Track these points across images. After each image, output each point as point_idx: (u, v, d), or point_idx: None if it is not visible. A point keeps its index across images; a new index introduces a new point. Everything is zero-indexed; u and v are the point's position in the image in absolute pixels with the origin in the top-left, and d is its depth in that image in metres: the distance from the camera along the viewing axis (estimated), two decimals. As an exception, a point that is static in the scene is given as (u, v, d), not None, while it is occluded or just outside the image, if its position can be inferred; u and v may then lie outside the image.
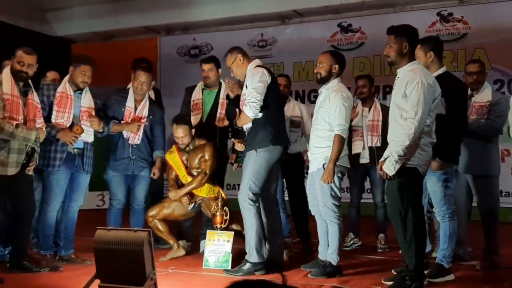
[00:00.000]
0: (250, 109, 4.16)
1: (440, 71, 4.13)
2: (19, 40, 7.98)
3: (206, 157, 4.88)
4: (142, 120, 5.01)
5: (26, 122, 4.19)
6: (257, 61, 4.47)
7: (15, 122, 4.09)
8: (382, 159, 3.77)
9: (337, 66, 4.27)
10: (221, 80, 5.27)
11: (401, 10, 8.30)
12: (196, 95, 5.32)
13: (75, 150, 4.61)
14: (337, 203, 4.22)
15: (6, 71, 4.19)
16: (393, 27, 3.82)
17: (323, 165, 4.17)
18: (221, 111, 5.19)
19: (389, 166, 3.61)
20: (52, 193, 4.58)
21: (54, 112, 4.53)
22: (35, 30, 9.65)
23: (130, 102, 5.03)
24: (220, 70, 5.28)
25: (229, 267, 4.41)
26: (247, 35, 9.08)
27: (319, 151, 4.24)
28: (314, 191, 4.31)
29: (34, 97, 4.30)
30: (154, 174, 5.09)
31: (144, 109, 5.06)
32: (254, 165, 4.24)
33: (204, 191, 4.91)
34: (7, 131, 4.04)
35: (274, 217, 4.52)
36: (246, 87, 4.26)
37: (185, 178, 4.94)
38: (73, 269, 4.50)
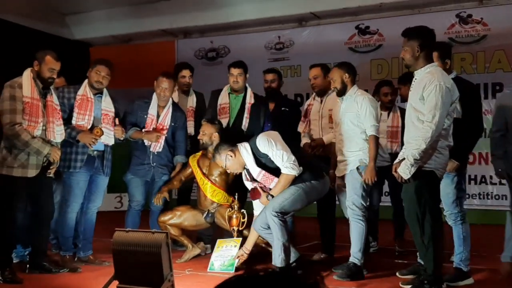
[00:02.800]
0: (295, 168, 4.15)
1: (451, 76, 4.09)
2: (39, 43, 8.09)
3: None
4: (163, 131, 5.03)
5: (46, 123, 4.24)
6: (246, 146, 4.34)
7: (34, 132, 4.13)
8: (397, 160, 3.76)
9: (346, 75, 4.40)
10: (247, 85, 5.32)
11: (420, 12, 8.22)
12: (223, 99, 5.34)
13: (95, 152, 4.66)
14: (365, 204, 4.30)
15: (27, 74, 4.24)
16: (406, 29, 3.80)
17: (357, 167, 4.27)
18: (247, 115, 5.22)
19: (405, 169, 3.59)
20: (72, 194, 4.63)
21: (75, 114, 4.59)
22: (54, 33, 9.76)
23: (152, 109, 5.05)
24: (247, 75, 5.32)
25: (233, 271, 4.40)
26: (264, 37, 9.08)
27: (351, 155, 4.30)
28: (346, 193, 4.38)
29: (53, 99, 4.36)
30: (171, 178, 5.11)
31: (166, 117, 5.07)
32: (295, 192, 4.20)
33: (219, 197, 4.86)
34: (23, 139, 4.08)
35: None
36: (259, 162, 4.25)
37: (202, 181, 4.92)
38: (92, 270, 4.54)
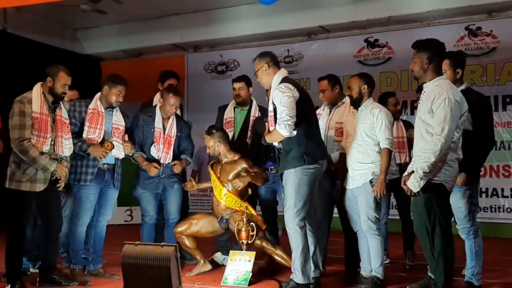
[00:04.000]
0: (285, 128, 3.98)
1: (462, 87, 4.08)
2: (51, 58, 8.19)
3: (249, 164, 4.86)
4: (171, 143, 5.08)
5: (55, 138, 4.29)
6: (283, 72, 4.31)
7: (43, 147, 4.18)
8: (406, 173, 3.74)
9: (365, 86, 4.39)
10: (252, 98, 5.36)
11: (429, 25, 8.24)
12: (228, 113, 5.42)
13: (106, 165, 4.70)
14: (378, 217, 4.29)
15: (37, 89, 4.28)
16: (416, 41, 3.80)
17: (370, 180, 4.23)
18: (251, 128, 5.27)
19: (414, 182, 3.58)
20: (82, 208, 4.65)
21: (86, 128, 4.63)
22: (66, 48, 9.90)
23: (158, 123, 5.10)
24: (251, 89, 5.36)
25: (247, 285, 4.39)
26: (273, 51, 8.85)
27: (364, 167, 4.27)
28: (356, 207, 4.34)
29: (62, 113, 4.40)
30: (175, 164, 5.07)
31: (172, 128, 5.13)
32: (293, 182, 4.10)
33: (230, 201, 4.83)
34: (31, 156, 4.12)
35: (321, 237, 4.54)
36: (273, 102, 4.18)
37: (215, 183, 4.92)
38: (101, 283, 4.55)
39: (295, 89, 4.13)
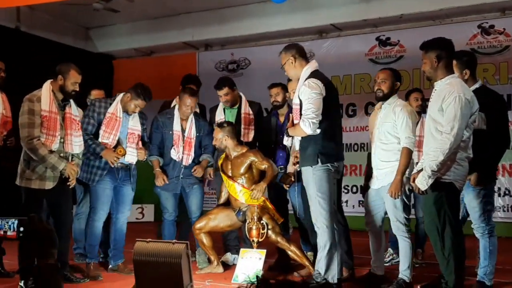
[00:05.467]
0: (309, 125, 3.95)
1: (476, 85, 4.05)
2: (64, 56, 8.25)
3: (259, 158, 4.82)
4: (191, 144, 5.10)
5: (65, 135, 4.33)
6: (313, 65, 4.24)
7: (52, 145, 4.22)
8: (415, 171, 3.73)
9: (398, 83, 4.31)
10: (241, 94, 5.40)
11: (441, 23, 8.19)
12: (219, 114, 5.44)
13: (119, 164, 4.76)
14: (408, 217, 4.17)
15: (46, 87, 4.31)
16: (423, 43, 3.78)
17: None
18: (245, 126, 5.28)
19: (422, 180, 3.57)
20: (98, 202, 4.75)
21: (101, 132, 4.70)
22: (79, 47, 9.96)
23: (177, 126, 5.13)
24: (235, 88, 5.38)
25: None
26: (284, 49, 9.08)
27: (388, 166, 4.17)
28: (376, 207, 4.28)
29: (71, 111, 4.42)
30: (195, 170, 5.10)
31: (192, 130, 5.14)
32: (314, 182, 4.07)
33: (246, 196, 4.80)
34: (40, 154, 4.16)
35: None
36: (299, 97, 4.11)
37: (227, 182, 4.93)
38: (113, 279, 4.59)
39: (324, 87, 4.07)
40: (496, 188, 7.41)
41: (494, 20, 7.84)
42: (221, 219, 4.92)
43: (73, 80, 4.32)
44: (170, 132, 5.11)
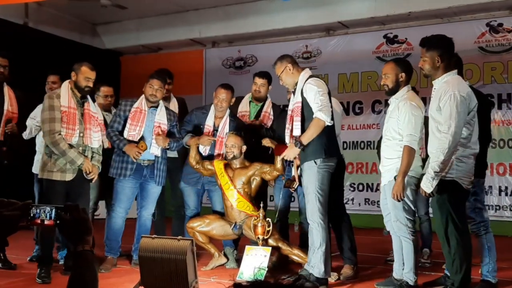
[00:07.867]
0: (326, 113, 4.04)
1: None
2: (72, 53, 8.29)
3: (263, 165, 4.79)
4: (222, 143, 5.02)
5: (84, 130, 4.47)
6: (308, 71, 4.39)
7: (72, 139, 4.38)
8: (422, 172, 3.69)
9: (403, 74, 3.99)
10: (268, 95, 5.39)
11: (449, 21, 8.15)
12: (244, 107, 5.40)
13: (145, 161, 4.82)
14: (411, 218, 3.94)
15: (65, 85, 4.50)
16: (424, 39, 3.71)
17: (394, 177, 3.91)
18: (262, 123, 5.27)
19: (426, 183, 3.53)
20: (117, 199, 4.86)
21: (127, 126, 4.81)
22: (86, 43, 10.00)
23: (209, 120, 5.10)
24: (270, 87, 5.37)
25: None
26: (291, 46, 9.11)
27: (390, 163, 3.98)
28: (386, 206, 4.11)
29: (90, 107, 4.57)
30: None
31: (224, 128, 5.06)
32: (316, 179, 4.09)
33: (242, 205, 4.80)
34: (61, 148, 4.34)
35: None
36: (302, 93, 4.18)
37: (227, 186, 4.90)
38: (119, 275, 4.62)
39: (325, 85, 4.24)
40: (503, 187, 7.41)
41: (503, 18, 7.80)
42: (215, 227, 4.90)
43: (85, 75, 4.45)
44: (201, 127, 5.10)
